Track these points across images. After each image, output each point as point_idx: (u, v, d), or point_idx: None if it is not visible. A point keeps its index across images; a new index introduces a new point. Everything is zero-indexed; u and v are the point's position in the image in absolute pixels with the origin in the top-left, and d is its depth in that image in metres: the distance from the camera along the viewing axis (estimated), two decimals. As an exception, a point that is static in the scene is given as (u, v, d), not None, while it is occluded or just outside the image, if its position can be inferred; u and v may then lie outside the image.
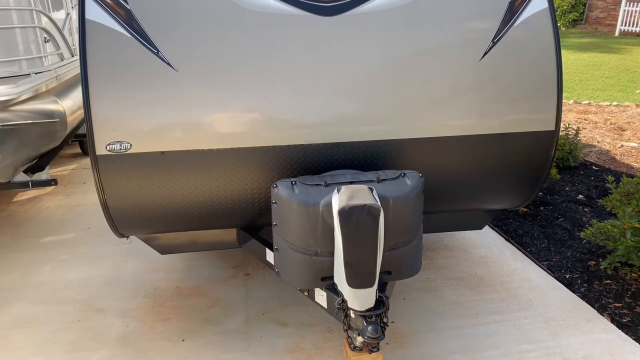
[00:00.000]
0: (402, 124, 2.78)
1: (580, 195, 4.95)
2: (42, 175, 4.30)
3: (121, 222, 2.84)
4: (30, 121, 3.79)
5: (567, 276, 3.61)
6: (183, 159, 2.66)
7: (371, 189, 2.33)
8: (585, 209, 4.66)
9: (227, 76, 2.62)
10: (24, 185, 4.24)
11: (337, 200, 2.25)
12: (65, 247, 4.16)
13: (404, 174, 2.54)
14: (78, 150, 6.61)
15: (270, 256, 2.96)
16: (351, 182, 2.46)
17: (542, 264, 3.76)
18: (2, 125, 3.56)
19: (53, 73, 4.30)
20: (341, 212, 2.18)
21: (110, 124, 2.57)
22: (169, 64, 2.57)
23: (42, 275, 3.74)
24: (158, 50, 2.57)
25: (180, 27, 2.61)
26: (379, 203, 2.24)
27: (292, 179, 2.52)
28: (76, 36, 5.45)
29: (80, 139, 6.16)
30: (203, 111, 2.63)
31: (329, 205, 2.33)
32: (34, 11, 4.17)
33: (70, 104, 4.58)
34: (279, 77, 2.66)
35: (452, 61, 2.79)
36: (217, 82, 2.62)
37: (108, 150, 2.58)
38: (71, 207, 4.98)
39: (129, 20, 2.55)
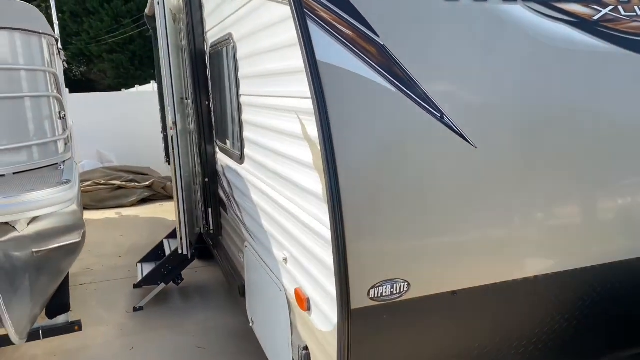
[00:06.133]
0: None
1: None
2: (60, 319, 2.76)
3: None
4: (69, 242, 2.38)
5: None
6: (482, 297, 1.50)
7: None
8: None
9: (542, 147, 1.56)
10: (33, 337, 2.67)
11: None
12: None
13: None
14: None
15: None
16: None
17: None
18: (36, 252, 2.14)
19: (73, 163, 2.90)
20: None
21: (376, 255, 1.37)
22: (461, 134, 1.46)
23: None
24: (442, 114, 1.45)
25: (465, 73, 1.53)
26: None
27: None
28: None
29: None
30: (521, 213, 1.52)
31: None
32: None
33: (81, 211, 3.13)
34: (619, 153, 1.64)
35: None
36: (532, 159, 1.54)
37: (372, 299, 1.37)
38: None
39: (386, 63, 1.43)
